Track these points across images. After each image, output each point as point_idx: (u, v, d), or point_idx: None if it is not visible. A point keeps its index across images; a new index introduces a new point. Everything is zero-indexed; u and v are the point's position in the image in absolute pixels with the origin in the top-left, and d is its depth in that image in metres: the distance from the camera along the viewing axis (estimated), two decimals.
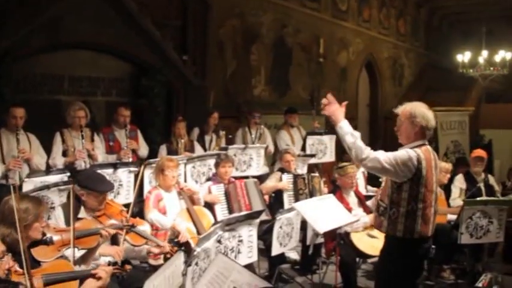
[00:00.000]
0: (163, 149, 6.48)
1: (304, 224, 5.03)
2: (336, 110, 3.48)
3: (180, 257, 3.14)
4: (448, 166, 6.03)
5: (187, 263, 3.07)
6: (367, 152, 3.38)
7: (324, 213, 4.16)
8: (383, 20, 14.43)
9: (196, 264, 3.36)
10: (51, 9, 6.22)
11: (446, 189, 6.34)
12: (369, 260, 5.28)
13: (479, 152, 6.55)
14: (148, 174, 5.34)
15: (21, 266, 2.30)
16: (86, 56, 6.93)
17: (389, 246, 3.60)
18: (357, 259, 5.41)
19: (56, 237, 2.95)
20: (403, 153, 3.43)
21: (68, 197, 4.05)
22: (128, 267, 3.12)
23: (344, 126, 3.44)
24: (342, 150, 5.18)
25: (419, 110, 3.51)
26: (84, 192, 3.81)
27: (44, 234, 2.88)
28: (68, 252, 3.06)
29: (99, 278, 2.60)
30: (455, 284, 5.60)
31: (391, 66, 15.02)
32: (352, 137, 3.39)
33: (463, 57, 12.80)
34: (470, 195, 5.92)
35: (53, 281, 2.45)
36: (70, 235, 2.91)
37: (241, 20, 9.32)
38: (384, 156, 3.38)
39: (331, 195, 4.77)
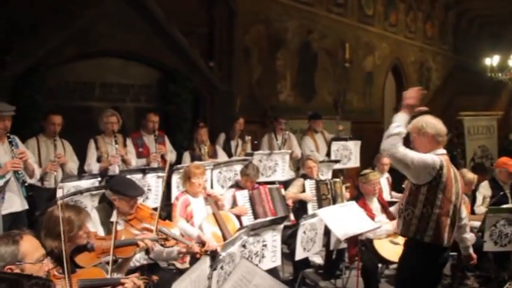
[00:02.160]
0: (186, 156, 6.61)
1: (327, 229, 5.10)
2: (412, 103, 3.48)
3: (206, 261, 3.25)
4: (473, 177, 6.01)
5: (213, 267, 3.19)
6: (400, 145, 3.42)
7: (346, 219, 4.23)
8: (410, 24, 14.37)
9: (222, 268, 3.47)
10: (82, 19, 6.44)
11: (472, 196, 6.32)
12: (391, 266, 5.31)
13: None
14: (176, 179, 5.50)
15: (61, 272, 2.45)
16: (115, 63, 7.15)
17: (408, 251, 3.67)
18: (379, 265, 5.46)
19: (96, 245, 3.10)
20: (428, 156, 3.50)
21: (100, 201, 4.22)
22: (155, 277, 3.25)
23: (401, 116, 3.47)
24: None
25: (426, 121, 3.62)
26: (116, 197, 3.97)
27: (87, 242, 3.03)
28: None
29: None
30: None
31: (417, 70, 14.93)
32: (397, 128, 3.40)
33: (492, 60, 12.64)
34: (495, 202, 5.89)
35: (87, 286, 2.60)
36: (110, 244, 3.05)
37: (267, 26, 9.44)
38: (411, 154, 3.45)
39: (353, 202, 4.83)
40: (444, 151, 3.66)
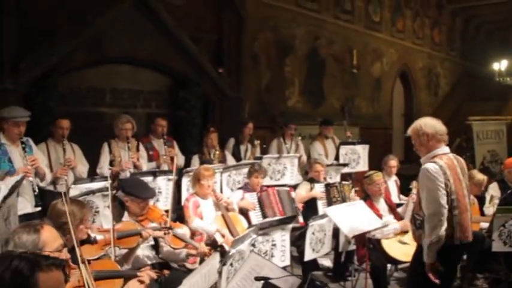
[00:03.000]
0: (195, 159, 6.68)
1: (336, 232, 5.15)
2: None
3: (216, 257, 3.32)
4: (483, 178, 6.04)
5: (223, 262, 3.25)
6: (432, 224, 3.49)
7: (354, 218, 4.28)
8: (417, 30, 14.43)
9: (231, 265, 3.52)
10: (94, 27, 6.57)
11: (480, 198, 6.33)
12: (400, 266, 5.33)
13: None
14: (186, 182, 5.58)
15: (73, 262, 2.53)
16: (126, 70, 7.27)
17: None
18: (389, 266, 5.49)
19: (99, 237, 3.19)
20: (427, 179, 3.54)
21: (112, 201, 4.29)
22: (166, 271, 3.33)
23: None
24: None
25: (423, 121, 3.73)
26: (128, 198, 4.06)
27: (89, 234, 3.11)
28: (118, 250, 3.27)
29: (142, 282, 2.80)
30: None
31: (426, 75, 14.97)
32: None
33: (500, 65, 12.65)
34: (503, 201, 5.89)
35: (101, 277, 2.67)
36: (111, 235, 3.13)
37: (275, 33, 9.55)
38: (427, 204, 3.52)
39: (361, 201, 4.88)
40: (447, 149, 3.72)
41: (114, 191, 4.13)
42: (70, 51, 6.39)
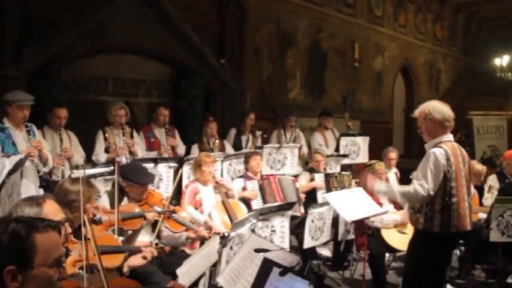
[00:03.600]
0: (195, 148, 6.71)
1: (335, 221, 5.20)
2: (368, 184, 3.92)
3: (216, 239, 3.38)
4: (482, 168, 6.08)
5: (222, 244, 3.30)
6: (415, 191, 3.58)
7: (353, 204, 4.32)
8: (419, 25, 14.43)
9: (231, 248, 3.58)
10: (97, 16, 6.61)
11: (480, 189, 6.37)
12: (398, 254, 5.37)
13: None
14: (186, 170, 5.62)
15: (76, 238, 2.58)
16: (128, 59, 7.30)
17: (423, 239, 3.72)
18: (387, 255, 5.54)
19: (104, 218, 3.23)
20: (432, 160, 3.60)
21: (113, 186, 4.34)
22: (167, 248, 3.37)
23: (378, 188, 3.87)
24: None
25: (433, 106, 3.73)
26: (127, 183, 4.10)
27: (94, 214, 3.16)
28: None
29: (144, 258, 2.84)
30: (486, 282, 5.62)
31: (427, 71, 14.98)
32: (390, 192, 3.84)
33: (502, 61, 12.67)
34: (501, 192, 5.94)
35: (104, 251, 2.72)
36: (115, 217, 3.18)
37: (277, 25, 9.57)
38: (422, 183, 3.57)
39: (361, 188, 4.92)
40: (451, 137, 3.75)
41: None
42: (73, 40, 6.43)
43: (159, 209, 3.78)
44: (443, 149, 3.60)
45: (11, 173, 2.93)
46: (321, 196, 6.17)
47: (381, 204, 5.08)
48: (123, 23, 6.84)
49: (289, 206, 4.50)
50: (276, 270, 2.16)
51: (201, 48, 7.81)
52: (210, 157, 5.09)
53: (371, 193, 5.14)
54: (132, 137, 6.08)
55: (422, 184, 3.55)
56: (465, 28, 17.15)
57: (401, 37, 13.53)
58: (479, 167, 5.95)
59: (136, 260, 2.84)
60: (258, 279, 2.22)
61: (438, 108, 3.71)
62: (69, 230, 2.44)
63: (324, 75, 10.77)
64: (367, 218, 4.49)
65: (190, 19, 7.65)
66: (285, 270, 2.08)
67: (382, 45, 12.77)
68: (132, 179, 4.10)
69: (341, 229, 5.21)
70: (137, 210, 3.68)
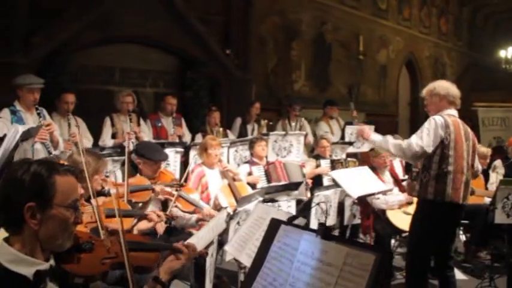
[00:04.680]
0: (198, 138, 6.71)
1: (341, 206, 5.23)
2: (364, 131, 4.05)
3: (223, 213, 3.42)
4: (486, 151, 6.10)
5: (230, 216, 3.35)
6: (408, 144, 3.67)
7: (359, 181, 4.37)
8: (424, 19, 14.44)
9: (238, 223, 3.63)
10: (104, 5, 6.67)
11: (485, 174, 6.40)
12: (404, 235, 5.37)
13: None
14: (193, 155, 5.67)
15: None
16: (135, 49, 7.35)
17: (421, 209, 3.79)
18: (393, 242, 5.57)
19: (113, 190, 3.29)
20: (429, 122, 3.69)
21: (122, 165, 4.40)
22: (174, 214, 3.42)
23: (373, 138, 3.94)
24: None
25: (438, 84, 3.87)
26: (141, 160, 4.16)
27: (102, 186, 3.22)
28: None
29: (150, 220, 2.89)
30: (491, 266, 5.63)
31: (432, 65, 14.98)
32: (385, 142, 3.86)
33: (507, 53, 12.66)
34: (507, 169, 5.96)
35: (113, 214, 2.77)
36: (125, 189, 3.24)
37: (282, 17, 9.62)
38: (416, 139, 3.65)
39: (366, 166, 4.96)
40: (455, 112, 3.82)
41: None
42: (80, 29, 6.48)
43: (169, 183, 3.83)
44: (443, 118, 3.68)
45: (23, 139, 3.00)
46: (327, 182, 6.20)
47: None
48: (130, 12, 6.89)
49: (295, 186, 4.54)
50: (283, 227, 2.19)
51: (207, 39, 7.86)
52: (215, 140, 5.15)
53: (377, 176, 5.21)
54: (139, 124, 6.15)
55: (417, 141, 3.63)
56: (470, 22, 17.13)
57: (405, 31, 13.54)
58: (483, 149, 5.98)
59: (144, 224, 2.89)
60: (265, 239, 2.25)
61: (443, 85, 3.85)
62: (82, 191, 2.49)
63: (329, 67, 10.81)
64: (372, 194, 4.52)
65: (196, 10, 7.71)
66: (290, 219, 2.12)
67: (387, 39, 12.78)
68: (146, 155, 4.16)
69: (347, 214, 5.24)
70: (147, 183, 3.74)
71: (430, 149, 3.63)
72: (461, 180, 3.68)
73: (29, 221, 1.59)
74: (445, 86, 3.82)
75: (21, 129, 3.11)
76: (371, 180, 4.41)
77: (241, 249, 2.85)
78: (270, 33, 9.37)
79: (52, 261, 1.68)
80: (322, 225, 1.91)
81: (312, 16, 10.32)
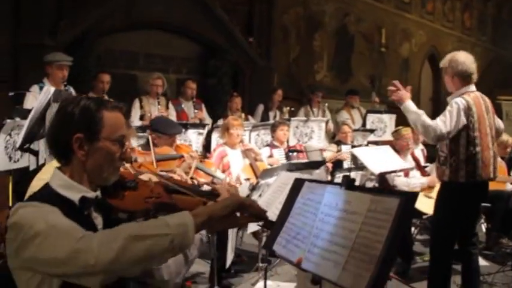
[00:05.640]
0: (220, 123, 6.85)
1: None
2: (402, 94, 3.79)
3: (245, 184, 3.48)
4: (507, 139, 6.06)
5: (251, 188, 3.40)
6: (432, 124, 3.60)
7: (380, 158, 4.37)
8: (447, 13, 14.31)
9: (260, 196, 3.67)
10: None
11: (508, 162, 6.35)
12: (424, 217, 5.36)
13: None
14: (215, 137, 5.75)
15: None
16: (159, 36, 7.48)
17: (451, 191, 3.76)
18: (413, 229, 5.56)
19: (140, 159, 3.37)
20: (452, 106, 3.65)
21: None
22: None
23: (408, 105, 3.74)
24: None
25: (454, 56, 3.78)
26: (155, 135, 4.24)
27: (130, 155, 3.30)
28: None
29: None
30: None
31: None
32: (415, 114, 3.67)
33: None
34: None
35: (162, 158, 2.88)
36: (152, 158, 3.32)
37: (305, 8, 9.67)
38: (441, 124, 3.60)
39: (387, 146, 4.96)
40: (474, 88, 3.79)
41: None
42: (106, 14, 6.62)
43: (193, 153, 3.90)
44: (465, 100, 3.64)
45: (55, 100, 3.10)
46: (347, 167, 6.21)
47: (407, 172, 5.12)
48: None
49: (317, 164, 4.57)
50: (307, 184, 2.23)
51: (231, 27, 7.95)
52: (237, 120, 5.20)
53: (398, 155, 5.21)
54: (167, 107, 6.27)
55: (441, 125, 3.59)
56: (495, 17, 16.90)
57: (428, 24, 13.44)
58: (504, 137, 5.91)
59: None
60: (288, 197, 2.29)
61: (461, 59, 3.74)
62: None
63: (351, 59, 10.82)
64: (394, 171, 4.52)
65: None
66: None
67: (410, 32, 12.71)
68: (160, 129, 4.23)
69: None
70: (172, 152, 3.82)
71: (451, 135, 3.61)
72: (489, 157, 3.69)
73: (77, 152, 1.66)
74: (460, 58, 3.74)
75: (52, 89, 3.22)
76: (392, 158, 4.42)
77: None
78: (293, 24, 9.42)
79: (99, 193, 1.75)
80: (346, 177, 1.95)
81: (335, 8, 10.33)
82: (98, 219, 1.73)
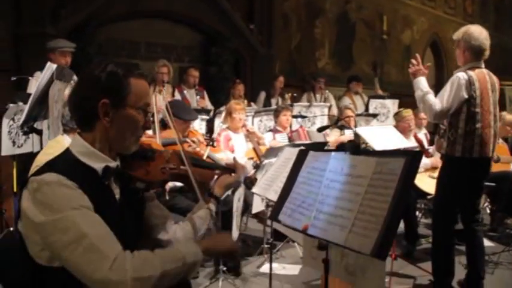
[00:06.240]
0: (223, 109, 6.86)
1: None
2: (417, 69, 3.79)
3: (249, 164, 3.48)
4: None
5: (255, 166, 3.40)
6: (434, 101, 3.61)
7: (384, 136, 4.36)
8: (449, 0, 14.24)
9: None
10: None
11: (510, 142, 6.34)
12: (429, 197, 5.35)
13: None
14: (218, 123, 5.75)
15: None
16: (161, 24, 7.48)
17: (448, 166, 3.75)
18: (417, 213, 5.55)
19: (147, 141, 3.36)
20: (452, 82, 3.61)
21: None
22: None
23: (419, 81, 3.73)
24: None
25: (469, 29, 3.71)
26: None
27: None
28: None
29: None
30: None
31: None
32: (421, 91, 3.68)
33: None
34: None
35: (167, 143, 2.91)
36: (157, 140, 3.32)
37: None
38: (438, 100, 3.60)
39: (391, 126, 4.95)
40: (482, 64, 3.74)
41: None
42: (108, 2, 6.61)
43: (200, 138, 3.89)
44: (468, 74, 3.58)
45: (58, 77, 3.10)
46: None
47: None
48: None
49: (321, 145, 4.56)
50: (311, 154, 2.23)
51: (231, 14, 7.93)
52: (240, 104, 5.21)
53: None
54: (173, 95, 6.28)
55: (438, 102, 3.59)
56: (497, 4, 16.80)
57: (430, 11, 13.37)
58: (509, 117, 5.88)
59: None
60: (293, 168, 2.29)
61: (472, 33, 3.67)
62: None
63: (353, 46, 10.79)
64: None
65: None
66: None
67: (411, 19, 12.66)
68: (177, 114, 4.19)
69: None
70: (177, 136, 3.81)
71: (450, 111, 3.59)
72: (489, 135, 3.63)
73: (102, 117, 1.62)
74: (473, 34, 3.66)
75: (55, 66, 3.22)
76: (395, 137, 4.41)
77: (268, 188, 2.89)
78: (294, 11, 9.39)
79: (118, 162, 1.73)
80: (351, 141, 1.95)
81: None
82: (116, 189, 1.71)
